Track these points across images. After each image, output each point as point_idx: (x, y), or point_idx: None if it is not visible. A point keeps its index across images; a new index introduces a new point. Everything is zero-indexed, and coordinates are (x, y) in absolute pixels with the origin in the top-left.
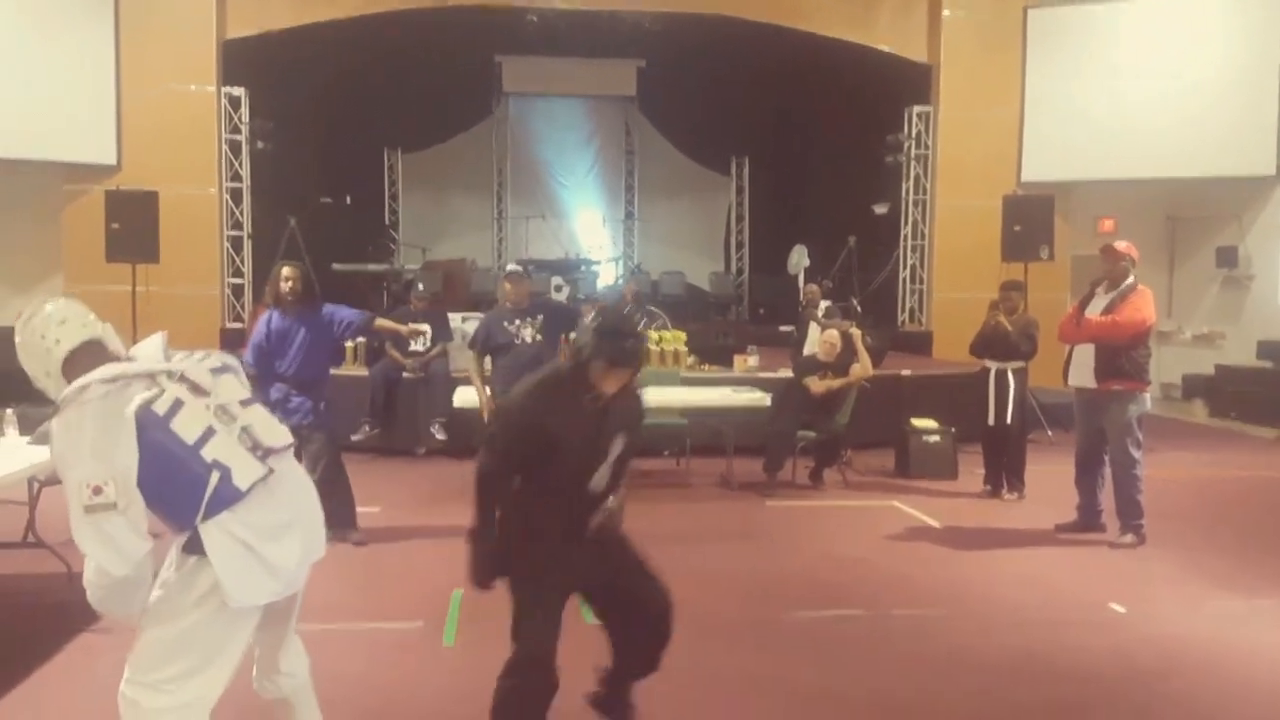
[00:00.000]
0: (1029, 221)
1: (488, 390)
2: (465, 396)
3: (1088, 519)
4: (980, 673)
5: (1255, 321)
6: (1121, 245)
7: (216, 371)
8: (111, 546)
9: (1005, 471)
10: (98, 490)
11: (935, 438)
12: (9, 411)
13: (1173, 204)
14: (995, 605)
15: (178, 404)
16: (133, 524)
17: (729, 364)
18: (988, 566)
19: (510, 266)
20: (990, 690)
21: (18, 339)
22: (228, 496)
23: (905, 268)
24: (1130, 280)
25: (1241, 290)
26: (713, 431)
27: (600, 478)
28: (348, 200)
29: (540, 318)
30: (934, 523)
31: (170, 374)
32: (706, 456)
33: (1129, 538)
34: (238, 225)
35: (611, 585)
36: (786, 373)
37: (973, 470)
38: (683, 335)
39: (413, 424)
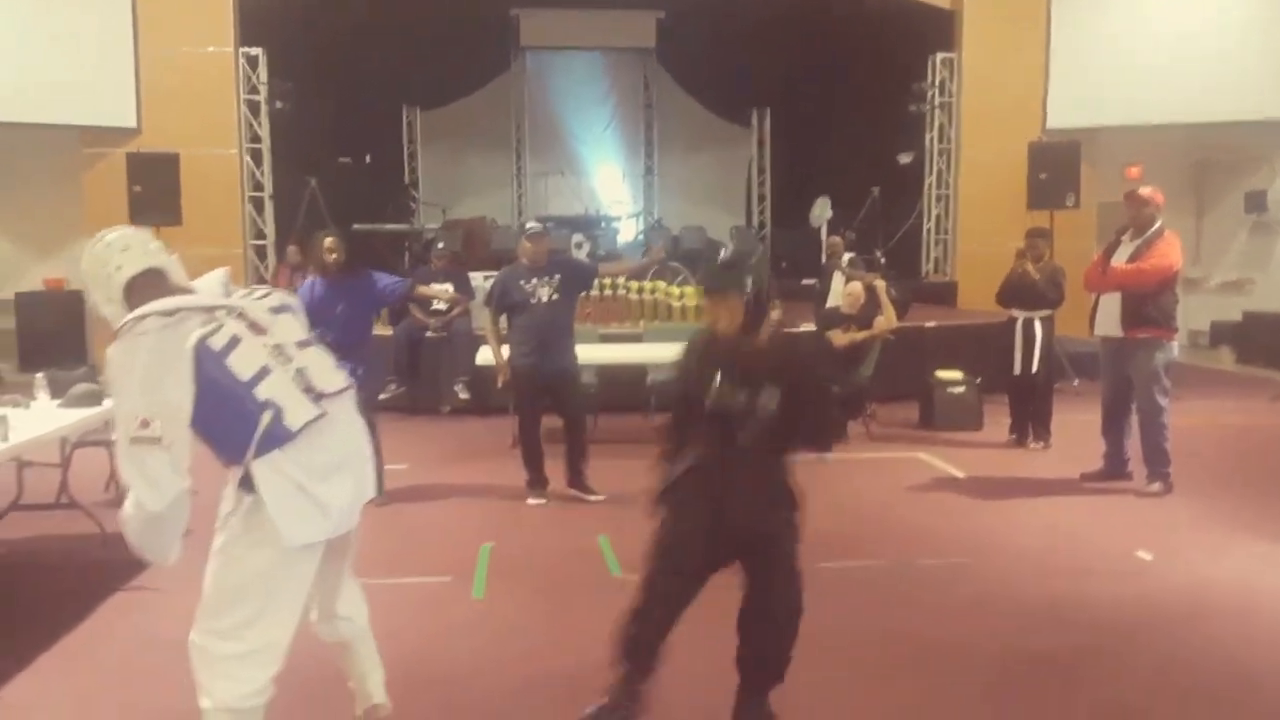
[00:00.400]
0: (1055, 169)
1: (505, 350)
2: (488, 355)
3: (1114, 467)
4: (1005, 619)
5: None
6: (1146, 191)
7: (275, 310)
8: (150, 481)
9: (1031, 421)
10: (145, 424)
11: (960, 388)
12: (40, 375)
13: (1201, 148)
14: (1020, 554)
15: (235, 340)
16: (174, 462)
17: None
18: (1013, 516)
19: (530, 224)
20: (1016, 636)
21: (83, 265)
22: (279, 436)
23: (930, 218)
24: (1156, 226)
25: (1271, 236)
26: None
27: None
28: (367, 160)
29: (558, 277)
30: (958, 473)
31: (229, 310)
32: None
33: (1156, 485)
34: (258, 186)
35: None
36: (809, 326)
37: (998, 421)
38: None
39: (436, 383)
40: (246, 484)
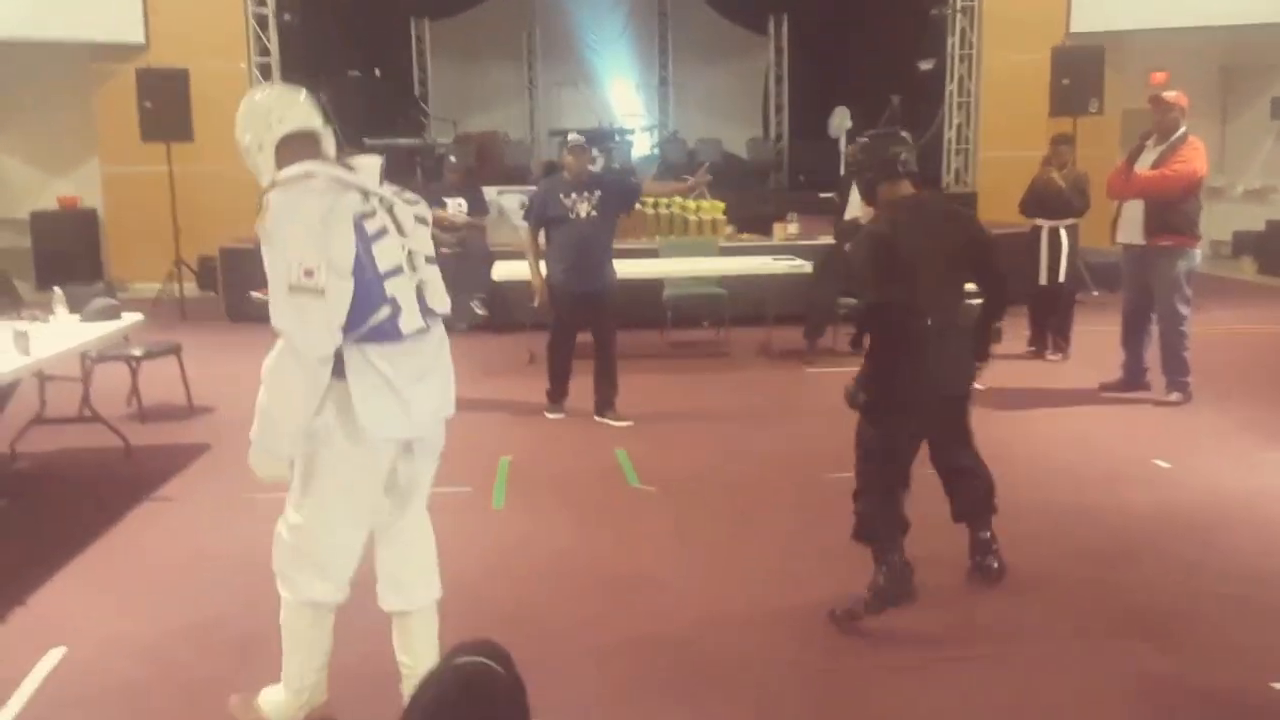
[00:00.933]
0: (1078, 75)
1: (543, 267)
2: (505, 270)
3: (1133, 377)
4: (1023, 523)
5: None
6: (1171, 95)
7: (418, 220)
8: (310, 329)
9: (1051, 332)
10: (309, 273)
11: (978, 300)
12: (58, 290)
13: (1227, 53)
14: (1039, 463)
15: (383, 231)
16: (332, 315)
17: (768, 232)
18: (1031, 426)
19: (571, 137)
20: (1034, 539)
21: (242, 108)
22: (388, 333)
23: (951, 127)
24: (1181, 131)
25: None
26: (753, 301)
27: None
28: (376, 73)
29: (598, 194)
30: (976, 384)
31: (382, 200)
32: (747, 326)
33: (1175, 395)
34: None
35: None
36: (828, 239)
37: (1016, 333)
38: (721, 204)
39: (453, 299)
40: (339, 370)
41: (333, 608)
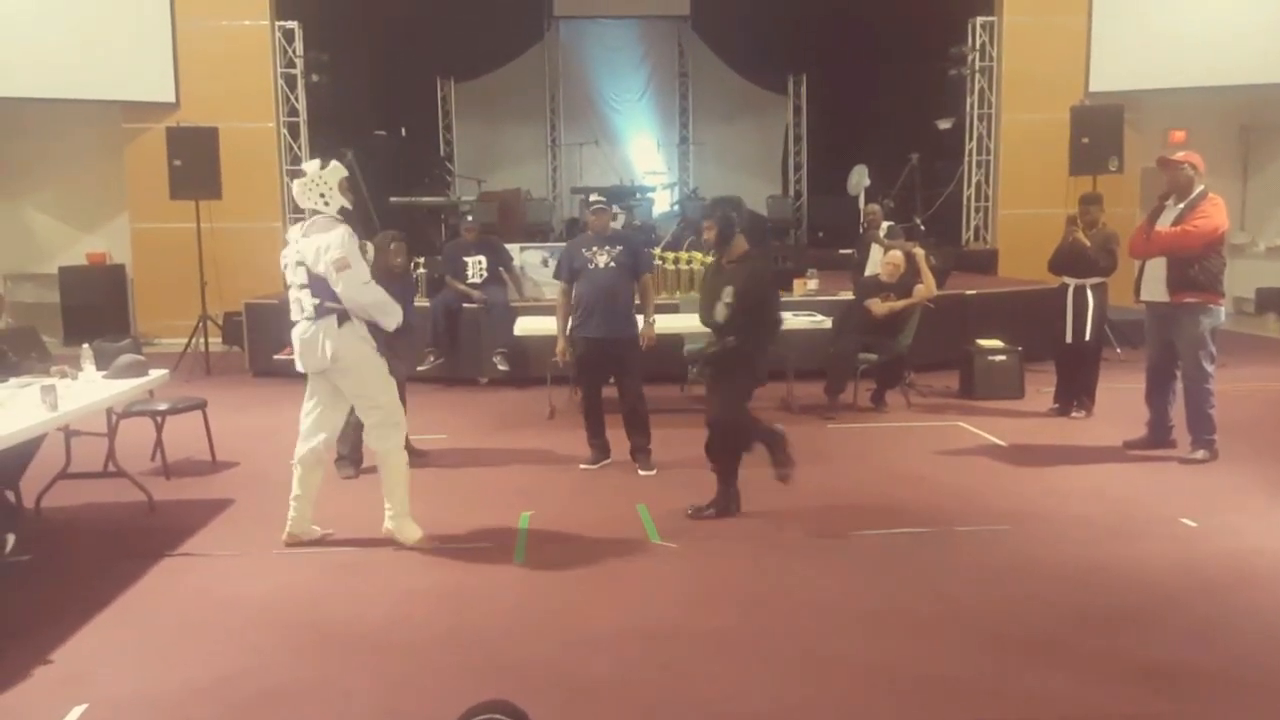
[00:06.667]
0: (1097, 133)
1: (570, 323)
2: (526, 326)
3: (1158, 435)
4: (1047, 583)
5: None
6: (1179, 155)
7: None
8: (360, 284)
9: (1077, 389)
10: (345, 262)
11: (1001, 357)
12: (86, 347)
13: (1248, 113)
14: (1063, 520)
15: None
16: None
17: (788, 288)
18: (1055, 483)
19: (594, 198)
20: (1058, 599)
21: (327, 170)
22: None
23: (970, 185)
24: (1200, 189)
25: None
26: (773, 356)
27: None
28: (402, 132)
29: (620, 248)
30: (1000, 441)
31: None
32: (767, 382)
33: (1201, 453)
34: (296, 159)
35: None
36: (847, 295)
37: (1040, 390)
38: None
39: (475, 354)
40: (343, 318)
41: None
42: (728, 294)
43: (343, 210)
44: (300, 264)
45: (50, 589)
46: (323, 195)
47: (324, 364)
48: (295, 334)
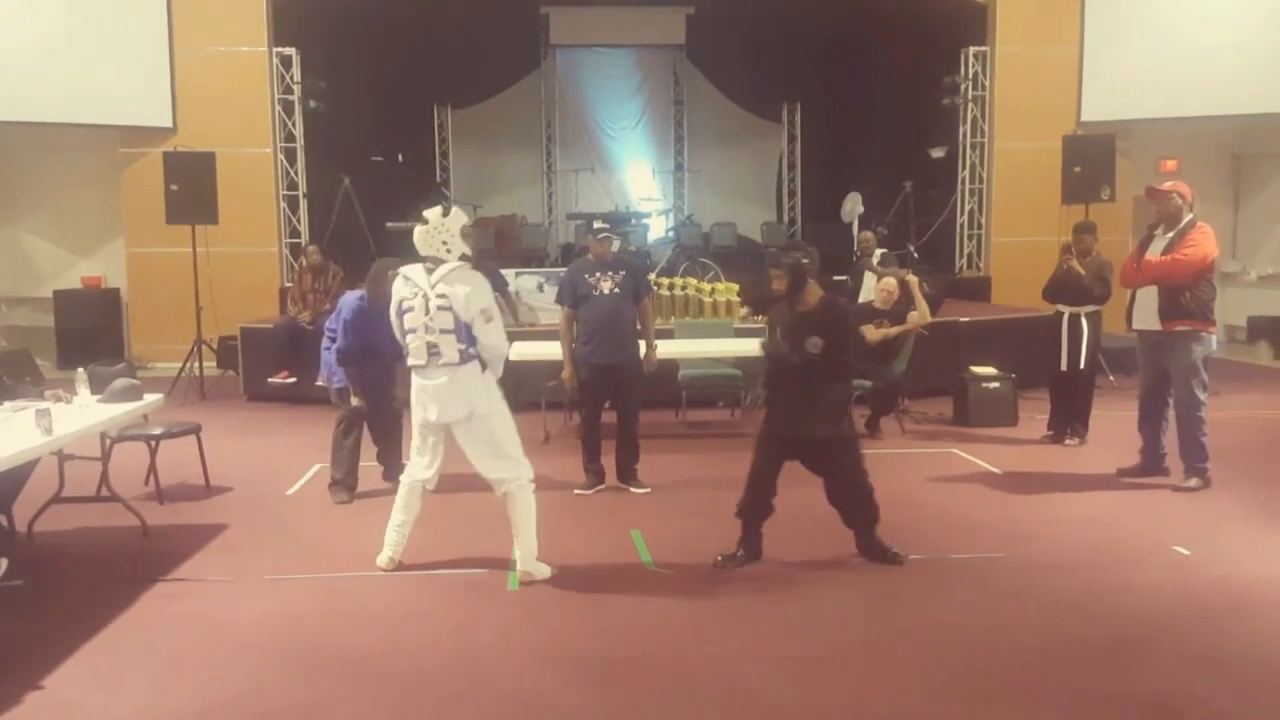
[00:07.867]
0: (1089, 162)
1: (573, 347)
2: (521, 350)
3: (1151, 462)
4: (1042, 610)
5: None
6: (1167, 185)
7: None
8: (503, 333)
9: (1070, 417)
10: (491, 312)
11: (995, 384)
12: (81, 371)
13: (1238, 142)
14: (1057, 547)
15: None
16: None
17: None
18: (1049, 510)
19: (596, 225)
20: (1052, 627)
21: (458, 223)
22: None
23: (963, 213)
24: (1190, 218)
25: None
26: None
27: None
28: (399, 158)
29: (622, 274)
30: (994, 468)
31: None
32: (762, 408)
33: (1194, 481)
34: (292, 185)
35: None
36: None
37: (1033, 416)
38: (735, 286)
39: None
40: (482, 364)
41: None
42: (813, 345)
43: (463, 257)
44: (443, 308)
45: (43, 614)
46: (445, 243)
47: (466, 411)
48: (425, 380)
